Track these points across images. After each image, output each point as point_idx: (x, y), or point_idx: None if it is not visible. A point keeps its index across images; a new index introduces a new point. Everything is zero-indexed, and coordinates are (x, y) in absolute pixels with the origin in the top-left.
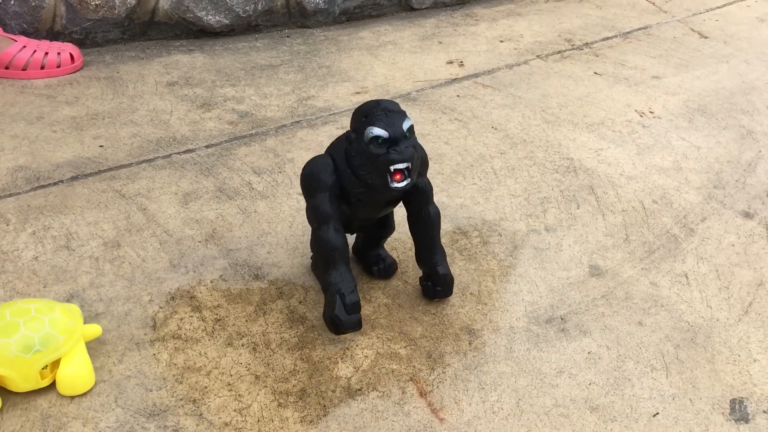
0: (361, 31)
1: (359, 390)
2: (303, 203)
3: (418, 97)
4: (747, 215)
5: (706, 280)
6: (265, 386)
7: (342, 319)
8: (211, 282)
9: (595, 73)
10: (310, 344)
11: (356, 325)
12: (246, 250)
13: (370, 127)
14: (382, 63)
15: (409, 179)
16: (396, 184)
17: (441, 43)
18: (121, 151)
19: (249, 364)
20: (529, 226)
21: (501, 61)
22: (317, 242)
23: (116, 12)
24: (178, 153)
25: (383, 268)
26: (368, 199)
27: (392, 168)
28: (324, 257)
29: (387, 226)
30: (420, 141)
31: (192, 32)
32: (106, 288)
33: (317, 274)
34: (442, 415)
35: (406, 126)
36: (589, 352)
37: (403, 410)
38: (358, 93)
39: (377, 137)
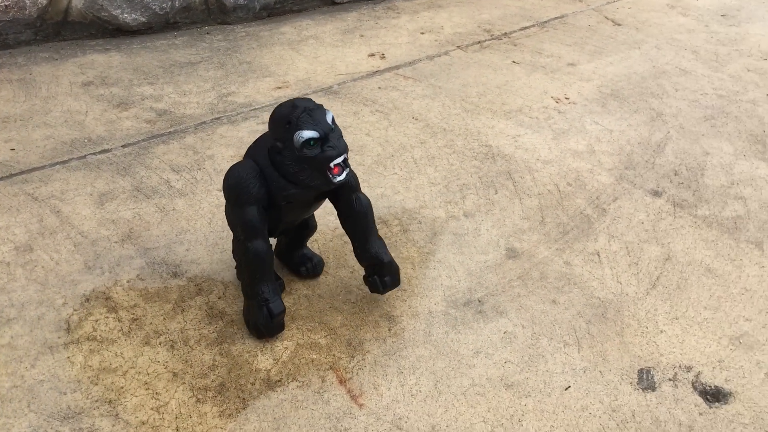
0: (283, 26)
1: (279, 381)
2: (223, 200)
3: (340, 90)
4: (656, 194)
5: (617, 257)
6: (183, 383)
7: (266, 328)
8: (128, 282)
9: (514, 62)
10: (230, 339)
11: (280, 329)
12: (164, 249)
13: (298, 132)
14: (304, 57)
15: (347, 169)
16: (338, 178)
17: (363, 36)
18: (34, 153)
19: (167, 362)
20: (449, 213)
21: (422, 53)
22: (245, 255)
23: (27, 12)
24: (94, 153)
25: (311, 267)
26: (297, 200)
27: (332, 164)
28: (252, 268)
29: (309, 225)
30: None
31: (108, 31)
32: (18, 293)
33: (241, 279)
34: (362, 401)
35: (329, 118)
36: (505, 332)
37: (322, 398)
38: (280, 88)
39: (309, 140)
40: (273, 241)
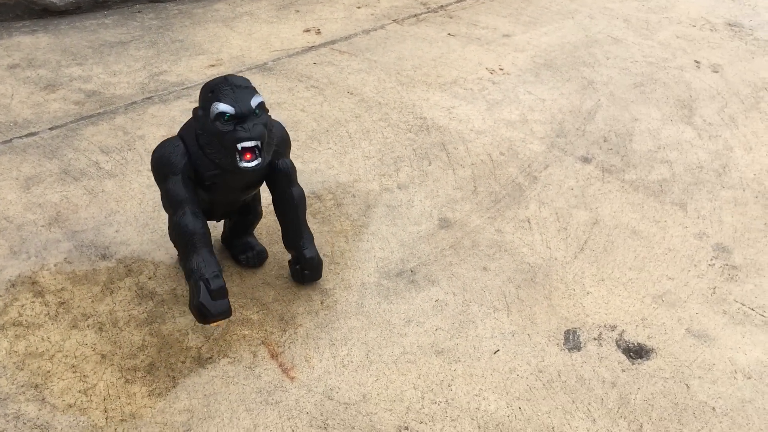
0: (216, 3)
1: (210, 358)
2: (154, 180)
3: (275, 67)
4: (585, 160)
5: (547, 223)
6: (112, 364)
7: (208, 307)
8: (55, 266)
9: (449, 34)
10: (160, 318)
11: (224, 312)
12: (93, 231)
13: (215, 103)
14: (238, 34)
15: (260, 159)
16: (246, 164)
17: (298, 11)
18: None
19: (95, 344)
20: (383, 186)
21: (358, 27)
22: (174, 228)
23: None
24: (19, 137)
25: (252, 257)
26: (223, 182)
27: (240, 146)
28: (183, 243)
29: (252, 212)
30: (275, 110)
31: (35, 12)
32: None
33: (181, 264)
34: (293, 374)
35: (255, 102)
36: (436, 300)
37: (254, 373)
38: (213, 66)
39: (223, 113)
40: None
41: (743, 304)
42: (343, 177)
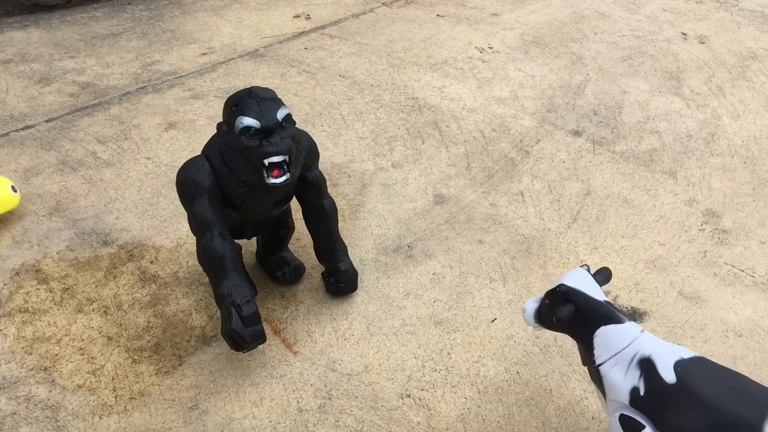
0: None
1: (214, 337)
2: (152, 167)
3: (266, 53)
4: (576, 133)
5: (540, 196)
6: (119, 346)
7: (242, 335)
8: (58, 253)
9: (438, 15)
10: (163, 301)
11: (258, 338)
12: (93, 219)
13: (240, 117)
14: (228, 22)
15: (289, 174)
16: (273, 180)
17: None
18: None
19: (101, 327)
20: (377, 165)
21: (347, 11)
22: (202, 252)
23: None
24: (16, 130)
25: (288, 272)
26: (252, 200)
27: (267, 162)
28: (212, 268)
29: (285, 226)
30: None
31: (26, 7)
32: None
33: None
34: (296, 349)
35: (281, 115)
36: (433, 273)
37: (258, 349)
38: (205, 54)
39: (248, 128)
40: (246, 242)
41: (733, 266)
42: (338, 158)
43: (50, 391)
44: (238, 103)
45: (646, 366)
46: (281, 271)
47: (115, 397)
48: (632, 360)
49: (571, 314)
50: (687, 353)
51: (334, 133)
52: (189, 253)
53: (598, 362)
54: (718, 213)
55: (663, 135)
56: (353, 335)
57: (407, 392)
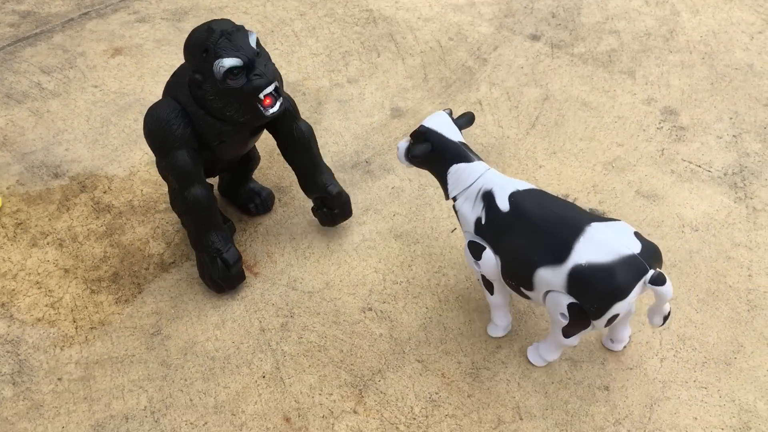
0: None
1: (173, 263)
2: (100, 96)
3: None
4: (534, 38)
5: (498, 103)
6: (76, 277)
7: (227, 280)
8: (8, 189)
9: None
10: (119, 230)
11: (240, 279)
12: (42, 152)
13: (219, 61)
14: None
15: (281, 98)
16: (271, 110)
17: None
18: None
19: (56, 260)
20: (332, 81)
21: None
22: (184, 204)
23: None
24: None
25: (260, 203)
26: (231, 138)
27: (262, 95)
28: (194, 219)
29: (252, 157)
30: (216, 14)
31: None
32: None
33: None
34: (257, 270)
35: (253, 42)
36: (392, 188)
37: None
38: None
39: (232, 68)
40: (213, 181)
41: (690, 162)
42: (292, 76)
43: (9, 326)
44: (206, 47)
45: (488, 198)
46: (253, 203)
47: (76, 328)
48: (478, 194)
49: (427, 152)
50: (523, 186)
51: (287, 50)
52: (143, 181)
53: (451, 196)
54: (676, 110)
55: (622, 34)
56: (313, 253)
57: (369, 306)
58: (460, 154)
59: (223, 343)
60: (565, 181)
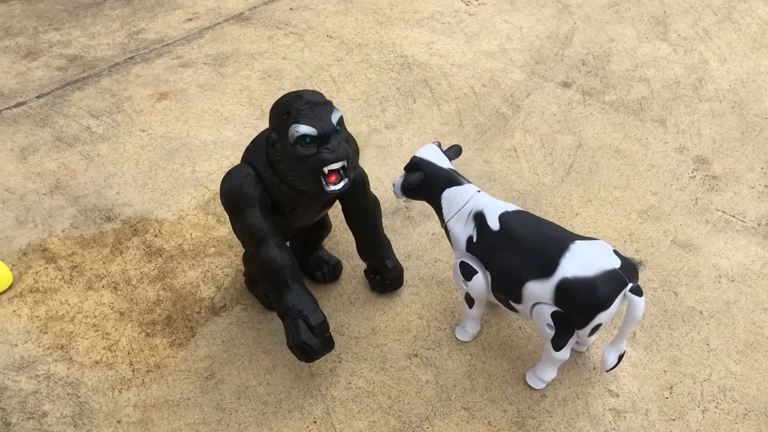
0: None
1: (223, 307)
2: (148, 140)
3: (252, 16)
4: (566, 85)
5: (533, 150)
6: (131, 320)
7: (312, 345)
8: (62, 231)
9: None
10: (171, 274)
11: (328, 346)
12: (94, 195)
13: (295, 125)
14: None
15: (346, 179)
16: (332, 187)
17: None
18: None
19: (112, 303)
20: (370, 127)
21: None
22: (260, 265)
23: None
24: (8, 108)
25: (327, 272)
26: (303, 206)
27: (326, 169)
28: (272, 280)
29: (324, 226)
30: (257, 59)
31: None
32: None
33: (255, 291)
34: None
35: (335, 119)
36: (432, 234)
37: (266, 317)
38: (191, 20)
39: (305, 136)
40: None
41: (724, 212)
42: None
43: (69, 369)
44: (289, 110)
45: (479, 218)
46: (320, 270)
47: (133, 371)
48: (469, 215)
49: (421, 180)
50: (512, 207)
51: (326, 95)
52: (192, 225)
53: (446, 219)
54: (708, 159)
55: (651, 82)
56: (358, 299)
57: (414, 352)
58: (452, 178)
59: (275, 388)
60: (601, 229)
